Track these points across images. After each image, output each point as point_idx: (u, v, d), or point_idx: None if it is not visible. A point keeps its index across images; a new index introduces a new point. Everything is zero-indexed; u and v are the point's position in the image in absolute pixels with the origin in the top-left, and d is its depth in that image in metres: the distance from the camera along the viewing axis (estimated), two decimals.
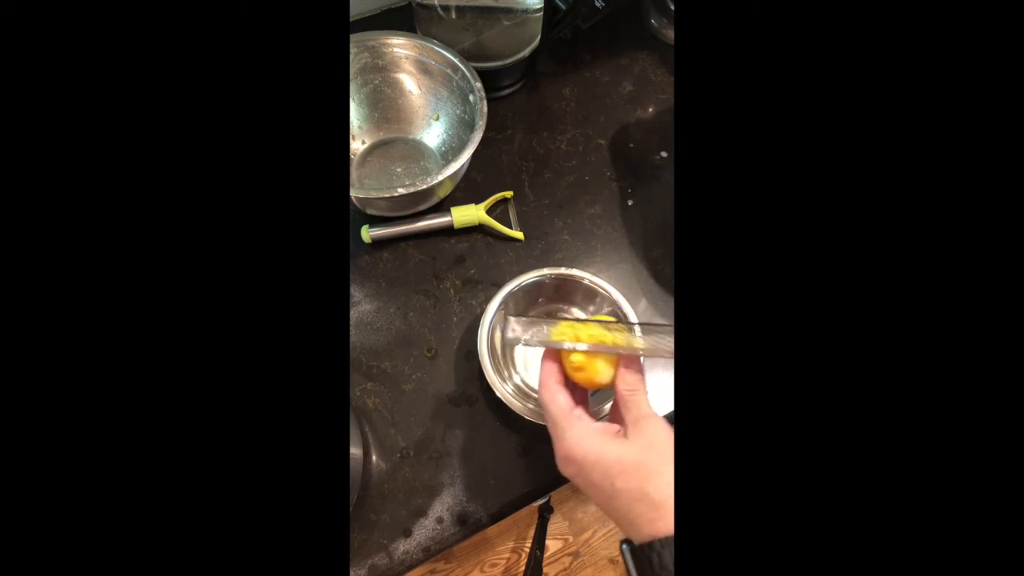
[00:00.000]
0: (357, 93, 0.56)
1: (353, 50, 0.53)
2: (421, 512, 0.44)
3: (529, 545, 1.08)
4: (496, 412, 0.48)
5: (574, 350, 0.35)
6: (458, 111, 0.55)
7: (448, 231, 0.55)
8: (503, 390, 0.44)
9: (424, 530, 0.44)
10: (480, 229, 0.56)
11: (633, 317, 0.47)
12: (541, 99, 0.64)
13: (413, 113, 0.58)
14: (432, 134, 0.59)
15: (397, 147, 0.59)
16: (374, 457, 0.46)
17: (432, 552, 0.43)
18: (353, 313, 0.51)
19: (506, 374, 0.48)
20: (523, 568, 1.07)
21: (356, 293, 0.52)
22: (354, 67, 0.54)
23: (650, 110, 0.64)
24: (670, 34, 0.69)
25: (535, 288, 0.49)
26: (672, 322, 0.37)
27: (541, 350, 0.38)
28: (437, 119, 0.58)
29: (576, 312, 0.51)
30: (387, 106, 0.58)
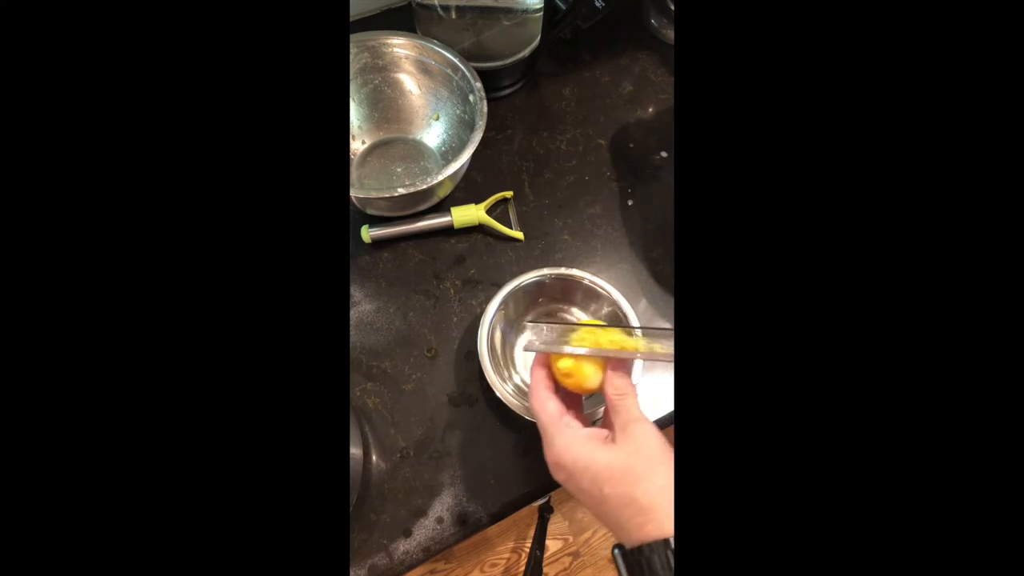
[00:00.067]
0: (357, 93, 0.56)
1: (353, 50, 0.53)
2: (421, 512, 0.44)
3: (529, 545, 1.08)
4: (496, 412, 0.48)
5: (595, 356, 0.35)
6: (458, 111, 0.55)
7: (448, 231, 0.55)
8: (503, 390, 0.44)
9: (424, 530, 0.44)
10: (480, 229, 0.56)
11: (633, 317, 0.47)
12: (541, 99, 0.64)
13: (413, 113, 0.58)
14: (432, 134, 0.59)
15: (397, 147, 0.59)
16: (374, 457, 0.46)
17: (432, 552, 0.43)
18: (353, 313, 0.51)
19: (506, 374, 0.48)
20: (523, 568, 1.07)
21: (356, 293, 0.52)
22: (354, 67, 0.54)
23: (650, 110, 0.64)
24: (670, 34, 0.69)
25: (535, 288, 0.49)
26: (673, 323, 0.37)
27: (535, 359, 0.38)
28: (437, 119, 0.58)
29: (576, 312, 0.51)
30: (387, 106, 0.58)
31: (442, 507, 0.44)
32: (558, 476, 0.34)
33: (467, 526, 0.44)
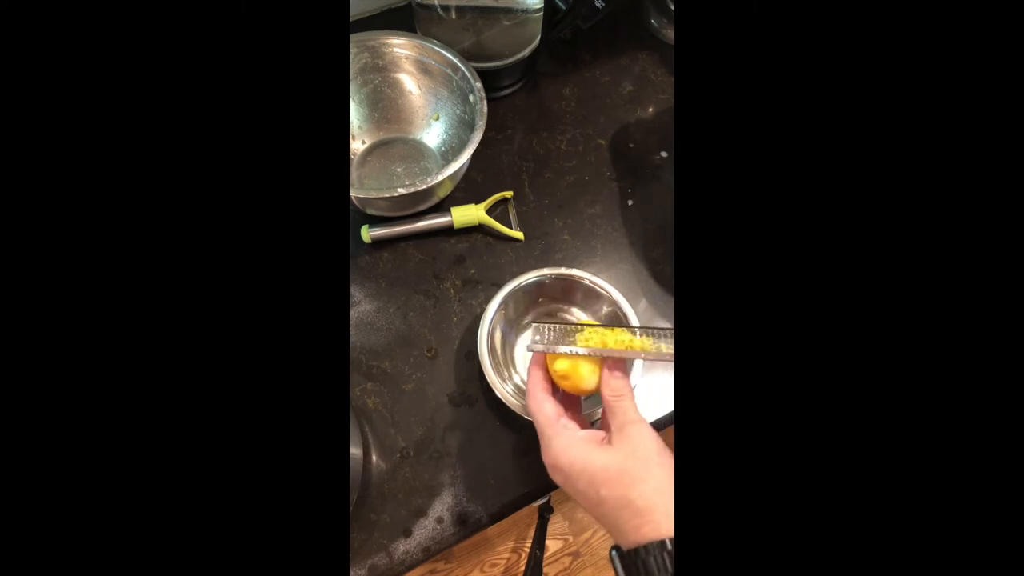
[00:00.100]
0: (357, 93, 0.56)
1: (353, 50, 0.53)
2: (421, 512, 0.44)
3: (529, 545, 1.08)
4: (496, 412, 0.48)
5: (600, 356, 0.35)
6: (458, 111, 0.55)
7: (448, 231, 0.55)
8: (503, 390, 0.44)
9: (424, 530, 0.44)
10: (480, 229, 0.56)
11: (633, 317, 0.47)
12: (541, 99, 0.64)
13: (413, 113, 0.58)
14: (432, 134, 0.59)
15: (397, 147, 0.59)
16: (374, 457, 0.46)
17: (432, 552, 0.43)
18: (353, 313, 0.51)
19: (506, 374, 0.48)
20: (523, 568, 1.07)
21: (356, 293, 0.52)
22: (354, 67, 0.54)
23: (650, 110, 0.64)
24: (670, 34, 0.69)
25: (535, 288, 0.49)
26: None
27: (532, 360, 0.38)
28: (437, 119, 0.58)
29: (576, 312, 0.51)
30: (387, 106, 0.58)
31: (442, 507, 0.44)
32: (555, 477, 0.34)
33: (467, 526, 0.44)
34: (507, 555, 1.13)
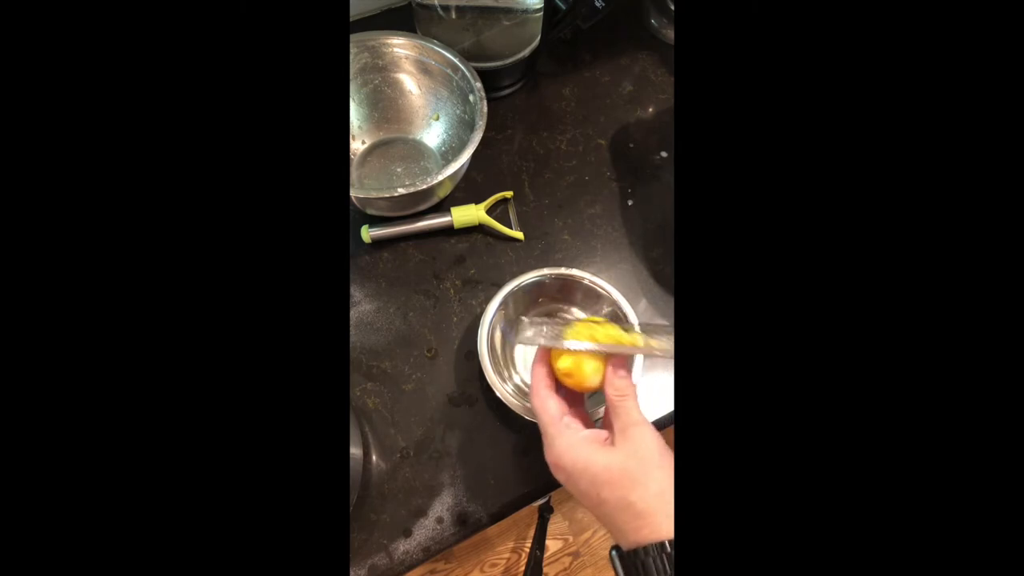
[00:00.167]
0: (357, 93, 0.56)
1: (353, 50, 0.53)
2: (421, 512, 0.44)
3: (529, 545, 1.08)
4: (496, 412, 0.48)
5: (590, 351, 0.35)
6: (458, 111, 0.55)
7: (448, 231, 0.55)
8: (503, 390, 0.44)
9: (424, 530, 0.44)
10: (480, 229, 0.56)
11: (633, 317, 0.47)
12: (541, 99, 0.64)
13: (413, 113, 0.58)
14: (432, 134, 0.59)
15: (397, 147, 0.59)
16: (374, 457, 0.46)
17: (432, 552, 0.43)
18: (353, 313, 0.51)
19: (506, 374, 0.48)
20: (523, 568, 1.07)
21: (356, 293, 0.52)
22: (354, 67, 0.54)
23: (650, 110, 0.64)
24: (670, 34, 0.69)
25: (535, 288, 0.49)
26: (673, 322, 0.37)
27: (536, 357, 0.37)
28: (437, 119, 0.58)
29: (576, 312, 0.51)
30: (387, 106, 0.58)
31: (442, 507, 0.44)
32: (558, 476, 0.34)
33: (467, 526, 0.44)
34: (507, 555, 1.13)
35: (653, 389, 0.50)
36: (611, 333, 0.35)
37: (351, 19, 0.67)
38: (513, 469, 0.46)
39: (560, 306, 0.51)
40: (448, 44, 0.53)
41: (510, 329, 0.49)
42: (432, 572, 1.10)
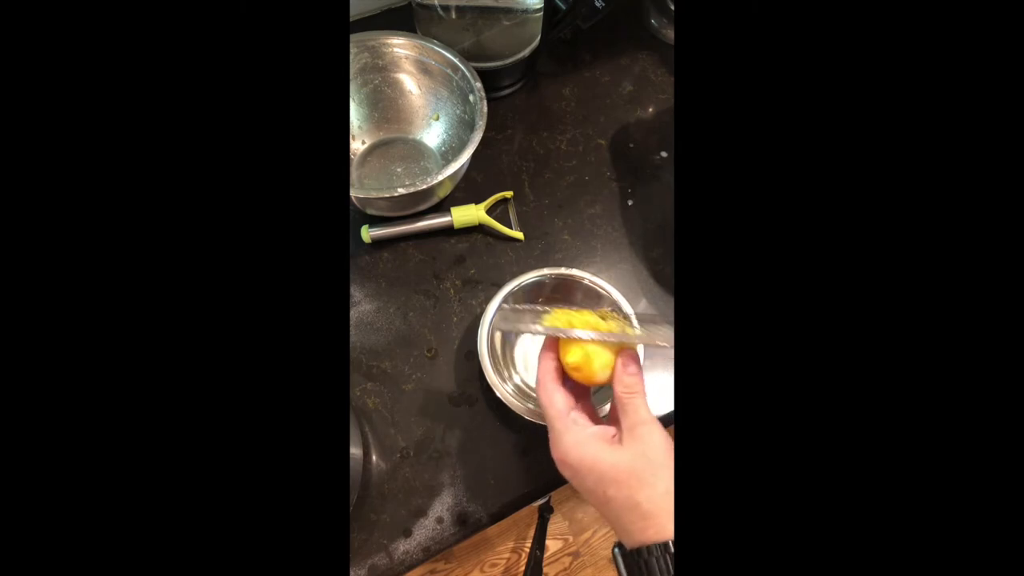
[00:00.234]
0: (357, 93, 0.56)
1: (353, 50, 0.53)
2: (421, 512, 0.44)
3: (529, 545, 1.08)
4: (496, 412, 0.48)
5: (568, 336, 0.35)
6: (458, 111, 0.55)
7: (448, 231, 0.55)
8: (503, 390, 0.44)
9: (424, 530, 0.44)
10: (480, 229, 0.56)
11: (633, 317, 0.47)
12: (541, 99, 0.64)
13: (413, 113, 0.58)
14: (432, 134, 0.59)
15: (397, 147, 0.59)
16: (374, 457, 0.46)
17: (432, 552, 0.43)
18: (353, 313, 0.51)
19: (506, 374, 0.48)
20: (523, 568, 1.07)
21: (356, 293, 0.52)
22: (354, 67, 0.54)
23: (650, 110, 0.64)
24: (670, 34, 0.69)
25: (535, 288, 0.49)
26: (670, 319, 0.37)
27: (543, 349, 0.37)
28: (437, 119, 0.58)
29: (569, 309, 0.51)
30: (387, 106, 0.58)
31: (442, 507, 0.44)
32: (563, 472, 0.34)
33: (467, 526, 0.44)
34: (507, 555, 1.13)
35: (653, 388, 0.50)
36: (588, 320, 0.35)
37: (351, 19, 0.67)
38: (513, 469, 0.46)
39: (560, 306, 0.51)
40: (448, 44, 0.53)
41: (502, 320, 0.49)
42: (432, 572, 1.10)
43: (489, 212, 0.56)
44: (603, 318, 0.36)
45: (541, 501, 1.09)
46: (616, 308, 0.47)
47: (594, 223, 0.57)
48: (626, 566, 0.30)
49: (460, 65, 0.53)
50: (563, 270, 0.49)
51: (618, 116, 0.63)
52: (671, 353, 0.51)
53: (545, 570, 1.11)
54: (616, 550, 0.31)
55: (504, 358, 0.49)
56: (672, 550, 0.28)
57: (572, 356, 0.35)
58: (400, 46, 0.54)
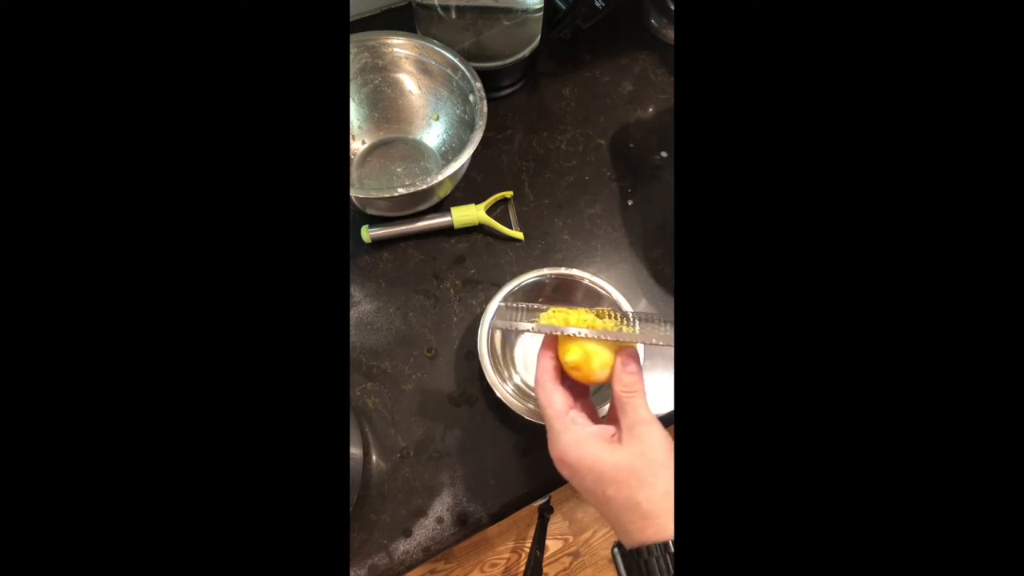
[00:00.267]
0: (357, 93, 0.56)
1: (353, 50, 0.53)
2: (421, 512, 0.44)
3: (529, 545, 1.08)
4: (496, 412, 0.48)
5: (563, 334, 0.35)
6: (458, 111, 0.55)
7: (448, 231, 0.55)
8: (503, 390, 0.44)
9: (424, 530, 0.44)
10: (480, 229, 0.56)
11: (630, 313, 0.47)
12: (541, 99, 0.64)
13: (413, 113, 0.58)
14: (432, 134, 0.59)
15: (397, 147, 0.59)
16: (374, 457, 0.46)
17: (432, 552, 0.43)
18: (353, 313, 0.51)
19: (506, 374, 0.48)
20: (523, 568, 1.07)
21: (356, 293, 0.52)
22: (354, 67, 0.54)
23: (650, 110, 0.64)
24: (670, 34, 0.69)
25: (535, 288, 0.49)
26: (669, 319, 0.37)
27: (542, 348, 0.37)
28: (437, 119, 0.58)
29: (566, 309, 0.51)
30: (387, 106, 0.58)
31: (442, 507, 0.44)
32: (562, 471, 0.34)
33: (467, 526, 0.44)
34: (507, 555, 1.13)
35: (653, 388, 0.50)
36: (584, 318, 0.35)
37: (351, 19, 0.67)
38: (513, 469, 0.46)
39: (560, 306, 0.51)
40: (448, 44, 0.53)
41: (498, 318, 0.49)
42: (432, 572, 1.10)
43: (489, 212, 0.56)
44: (600, 316, 0.36)
45: (541, 501, 1.09)
46: (616, 308, 0.47)
47: (594, 223, 0.57)
48: (625, 566, 0.30)
49: (460, 65, 0.53)
50: (563, 270, 0.49)
51: (618, 116, 0.63)
52: (671, 353, 0.51)
53: (545, 570, 1.11)
54: (615, 550, 0.31)
55: (504, 358, 0.49)
56: (672, 550, 0.28)
57: (571, 355, 0.35)
58: (400, 46, 0.54)
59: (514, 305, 0.37)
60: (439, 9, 0.56)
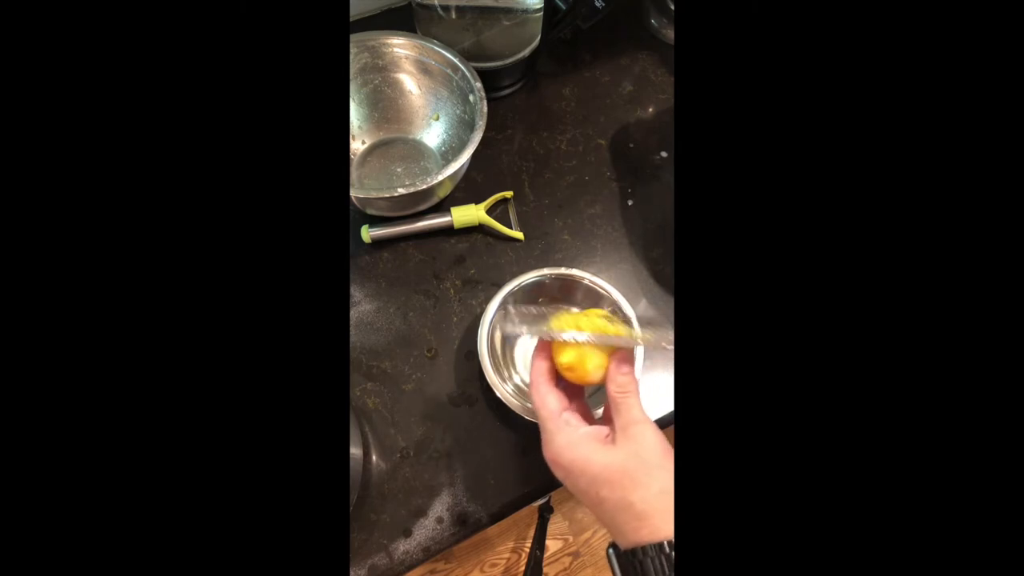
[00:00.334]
0: (357, 93, 0.56)
1: (353, 50, 0.53)
2: (421, 512, 0.44)
3: (529, 545, 1.08)
4: (496, 412, 0.48)
5: (575, 341, 0.35)
6: (458, 111, 0.55)
7: (448, 231, 0.55)
8: (503, 390, 0.44)
9: (424, 530, 0.44)
10: (480, 229, 0.56)
11: (634, 318, 0.47)
12: (541, 99, 0.64)
13: (413, 113, 0.58)
14: (432, 134, 0.59)
15: (397, 147, 0.59)
16: (374, 457, 0.46)
17: (432, 552, 0.43)
18: (353, 313, 0.51)
19: (506, 374, 0.48)
20: (523, 568, 1.07)
21: (356, 293, 0.52)
22: (354, 67, 0.54)
23: (650, 110, 0.64)
24: (670, 34, 0.69)
25: (535, 288, 0.49)
26: (669, 319, 0.37)
27: (536, 350, 0.37)
28: (437, 119, 0.58)
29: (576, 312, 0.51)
30: (387, 106, 0.58)
31: (442, 507, 0.44)
32: (556, 473, 0.34)
33: (467, 526, 0.44)
34: (507, 555, 1.13)
35: (653, 389, 0.50)
36: (596, 323, 0.35)
37: (351, 19, 0.67)
38: (513, 469, 0.46)
39: (560, 306, 0.51)
40: (448, 44, 0.53)
41: (507, 322, 0.49)
42: (432, 572, 1.11)
43: (489, 212, 0.56)
44: (610, 321, 0.36)
45: (541, 501, 1.09)
46: (616, 308, 0.47)
47: (594, 223, 0.57)
48: (621, 567, 0.30)
49: (460, 65, 0.53)
50: (563, 270, 0.49)
51: (618, 116, 0.63)
52: (671, 353, 0.51)
53: (545, 570, 1.11)
54: (610, 551, 0.31)
55: (504, 358, 0.49)
56: (667, 550, 0.28)
57: (565, 356, 0.35)
58: (400, 46, 0.54)
59: (524, 309, 0.37)
60: (439, 9, 0.56)
